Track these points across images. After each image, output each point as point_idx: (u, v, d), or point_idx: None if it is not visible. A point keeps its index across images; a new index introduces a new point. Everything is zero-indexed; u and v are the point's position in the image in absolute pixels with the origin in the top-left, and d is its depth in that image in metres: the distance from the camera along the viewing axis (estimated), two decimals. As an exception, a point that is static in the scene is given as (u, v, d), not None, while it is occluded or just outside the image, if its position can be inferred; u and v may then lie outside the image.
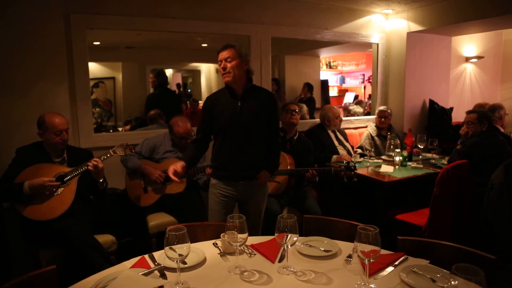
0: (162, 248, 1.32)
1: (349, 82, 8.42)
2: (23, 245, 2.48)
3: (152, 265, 1.47)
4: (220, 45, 2.27)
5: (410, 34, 4.35)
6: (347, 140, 4.06)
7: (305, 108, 4.74)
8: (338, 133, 4.00)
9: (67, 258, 2.32)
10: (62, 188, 2.39)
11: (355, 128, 4.50)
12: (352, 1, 3.99)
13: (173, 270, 1.38)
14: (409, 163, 3.53)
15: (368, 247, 1.24)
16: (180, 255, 1.27)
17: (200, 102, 6.06)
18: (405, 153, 3.50)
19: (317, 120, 4.13)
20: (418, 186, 3.39)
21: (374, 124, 4.15)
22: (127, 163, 2.95)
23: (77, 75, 3.04)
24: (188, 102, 6.48)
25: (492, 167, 2.80)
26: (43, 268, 1.36)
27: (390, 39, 4.56)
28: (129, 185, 3.00)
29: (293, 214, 1.45)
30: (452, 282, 1.00)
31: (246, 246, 1.62)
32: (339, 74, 8.46)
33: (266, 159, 2.41)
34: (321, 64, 7.58)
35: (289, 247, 1.40)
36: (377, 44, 4.55)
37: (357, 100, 6.58)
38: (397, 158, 3.44)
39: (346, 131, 4.22)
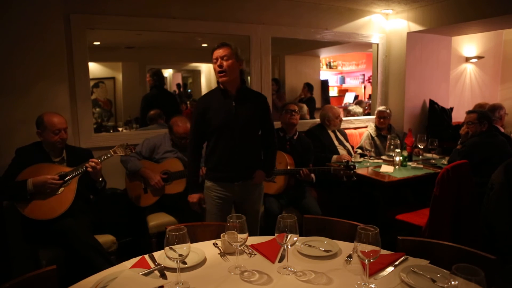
0: (162, 248, 1.32)
1: (349, 82, 8.41)
2: (23, 244, 2.48)
3: (152, 265, 1.47)
4: (218, 44, 2.26)
5: (410, 34, 4.35)
6: (347, 140, 4.06)
7: (305, 108, 4.74)
8: (338, 133, 4.00)
9: (67, 258, 2.32)
10: (63, 188, 2.39)
11: (355, 128, 4.50)
12: (352, 1, 3.99)
13: (173, 270, 1.38)
14: (409, 163, 3.53)
15: (368, 247, 1.24)
16: (180, 255, 1.27)
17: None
18: (405, 153, 3.50)
19: (317, 120, 4.13)
20: (418, 186, 3.39)
21: (374, 124, 4.16)
22: (127, 165, 2.95)
23: (77, 75, 3.04)
24: (188, 102, 6.49)
25: (492, 167, 2.80)
26: (43, 268, 1.36)
27: (390, 39, 4.56)
28: (129, 185, 3.00)
29: (293, 214, 1.44)
30: (452, 282, 1.00)
31: (246, 246, 1.62)
32: (339, 74, 8.45)
33: (262, 158, 2.41)
34: (321, 64, 7.57)
35: (289, 247, 1.40)
36: (377, 44, 4.55)
37: (357, 100, 6.57)
38: (397, 158, 3.45)
39: (346, 131, 4.22)
